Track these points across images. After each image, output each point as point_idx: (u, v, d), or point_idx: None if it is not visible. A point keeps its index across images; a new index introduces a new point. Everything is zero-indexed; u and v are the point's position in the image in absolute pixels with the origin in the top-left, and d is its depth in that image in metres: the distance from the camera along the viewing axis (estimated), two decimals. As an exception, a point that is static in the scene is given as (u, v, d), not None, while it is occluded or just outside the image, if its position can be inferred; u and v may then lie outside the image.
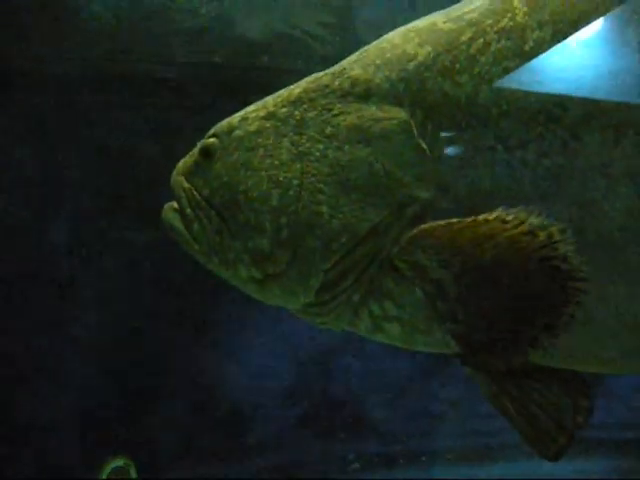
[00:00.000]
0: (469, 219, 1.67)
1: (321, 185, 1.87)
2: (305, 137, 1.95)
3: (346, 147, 1.88)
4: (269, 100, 2.12)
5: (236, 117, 2.15)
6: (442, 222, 1.72)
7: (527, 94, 1.72)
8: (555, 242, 1.59)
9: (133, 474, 4.65)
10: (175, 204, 2.20)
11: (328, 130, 1.92)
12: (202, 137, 2.25)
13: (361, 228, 1.84)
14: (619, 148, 1.71)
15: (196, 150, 2.24)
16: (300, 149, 1.94)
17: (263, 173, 1.97)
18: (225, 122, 2.18)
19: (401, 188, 1.81)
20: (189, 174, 2.19)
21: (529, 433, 1.92)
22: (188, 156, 2.28)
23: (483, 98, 1.75)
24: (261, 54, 5.25)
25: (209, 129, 2.23)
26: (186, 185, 2.17)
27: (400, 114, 1.83)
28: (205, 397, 5.18)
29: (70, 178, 4.94)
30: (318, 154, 1.91)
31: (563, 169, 1.69)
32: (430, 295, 1.82)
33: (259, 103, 2.15)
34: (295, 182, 1.90)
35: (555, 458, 1.93)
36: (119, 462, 4.61)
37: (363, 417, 5.55)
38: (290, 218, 1.90)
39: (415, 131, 1.80)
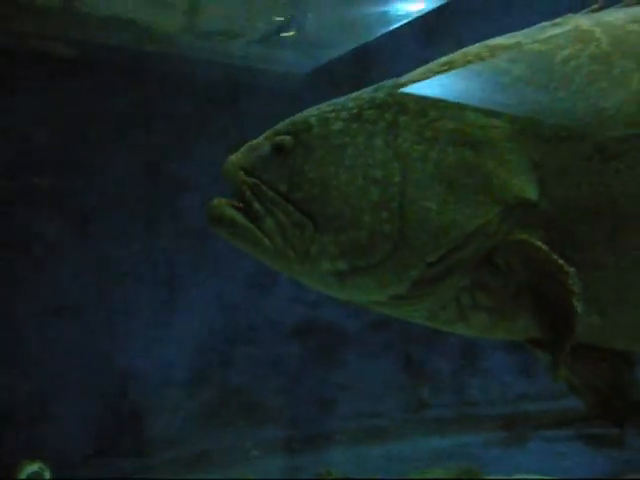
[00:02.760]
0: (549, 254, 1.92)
1: (427, 183, 1.99)
2: (401, 138, 2.06)
3: (450, 149, 2.01)
4: (346, 103, 2.18)
5: (310, 116, 2.19)
6: (538, 242, 1.95)
7: (618, 113, 1.98)
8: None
9: (47, 477, 4.45)
10: (225, 200, 2.19)
11: (427, 133, 2.05)
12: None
13: (471, 224, 1.95)
14: None
15: (257, 145, 2.25)
16: (397, 149, 2.05)
17: (357, 170, 2.02)
18: (299, 120, 2.19)
19: (509, 190, 1.96)
20: (253, 170, 2.20)
21: (594, 403, 2.19)
22: (243, 151, 2.28)
23: (582, 113, 1.98)
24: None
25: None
26: (250, 180, 2.18)
27: (501, 123, 2.01)
28: (109, 393, 5.03)
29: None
30: (418, 155, 2.03)
31: None
32: (520, 289, 2.02)
33: (333, 104, 2.21)
34: (396, 179, 2.01)
35: (620, 423, 2.20)
36: (34, 466, 4.39)
37: (259, 404, 5.66)
38: (393, 213, 1.98)
39: (518, 140, 2.00)
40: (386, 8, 5.82)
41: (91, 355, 5.06)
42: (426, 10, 5.70)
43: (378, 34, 6.13)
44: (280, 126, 2.25)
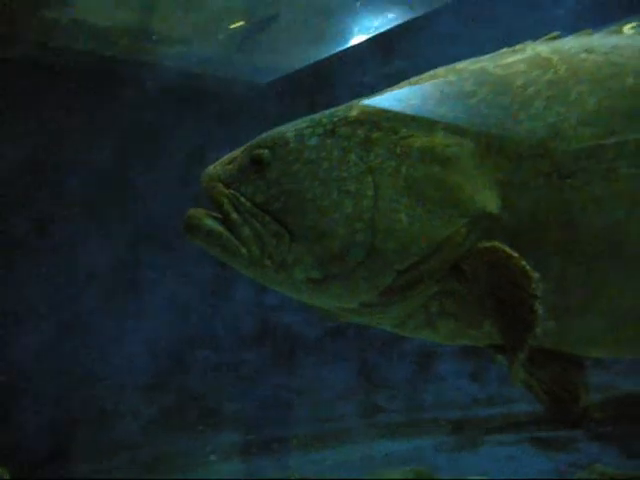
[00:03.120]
0: (518, 260, 2.04)
1: (398, 196, 2.12)
2: (373, 154, 2.19)
3: (419, 165, 2.15)
4: (321, 119, 2.30)
5: (287, 132, 2.29)
6: (507, 248, 2.07)
7: (575, 134, 2.13)
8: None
9: (7, 479, 4.45)
10: (202, 210, 2.29)
11: (398, 150, 2.18)
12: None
13: (439, 235, 2.09)
14: None
15: (234, 158, 2.35)
16: (370, 164, 2.18)
17: (332, 183, 2.15)
18: (276, 135, 2.29)
19: (474, 203, 2.11)
20: (230, 182, 2.29)
21: (551, 406, 2.34)
22: (221, 163, 2.38)
23: (541, 134, 2.13)
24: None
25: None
26: (228, 192, 2.28)
27: (467, 142, 2.16)
28: (68, 397, 5.04)
29: None
30: (390, 170, 2.16)
31: (603, 194, 2.11)
32: (484, 295, 2.16)
33: (309, 121, 2.32)
34: (369, 193, 2.14)
35: (574, 425, 2.36)
36: (-7, 469, 4.40)
37: (217, 409, 5.73)
38: (367, 224, 2.10)
39: (482, 157, 2.14)
40: (347, 23, 5.97)
41: (51, 359, 5.06)
42: (386, 27, 5.87)
43: (339, 49, 6.28)
44: (258, 140, 2.36)
